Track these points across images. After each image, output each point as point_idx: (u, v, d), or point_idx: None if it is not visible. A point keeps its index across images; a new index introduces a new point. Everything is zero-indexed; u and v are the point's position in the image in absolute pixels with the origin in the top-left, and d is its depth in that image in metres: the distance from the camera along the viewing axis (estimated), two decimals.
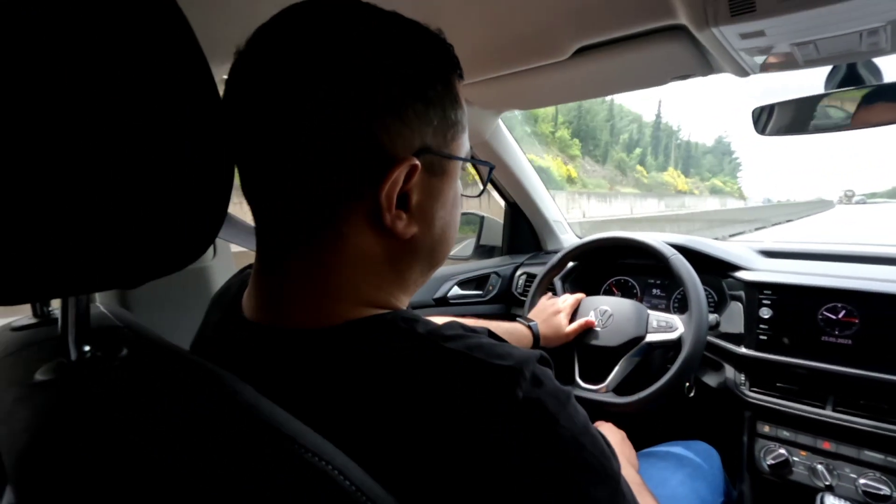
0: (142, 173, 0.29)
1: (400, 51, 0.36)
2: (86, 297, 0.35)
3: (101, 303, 0.33)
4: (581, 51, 0.79)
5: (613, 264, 1.34)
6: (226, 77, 0.39)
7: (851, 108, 0.83)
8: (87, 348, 0.34)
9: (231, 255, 0.87)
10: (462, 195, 0.46)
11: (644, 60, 0.80)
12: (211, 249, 0.84)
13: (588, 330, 1.01)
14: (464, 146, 0.43)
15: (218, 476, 0.27)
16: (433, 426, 0.32)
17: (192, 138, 0.31)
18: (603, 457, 0.35)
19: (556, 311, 1.03)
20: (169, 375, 0.31)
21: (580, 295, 1.10)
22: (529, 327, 0.96)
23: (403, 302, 0.43)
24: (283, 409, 0.31)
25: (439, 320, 0.42)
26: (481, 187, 0.65)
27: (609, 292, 1.33)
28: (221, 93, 0.35)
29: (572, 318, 1.04)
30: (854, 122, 0.84)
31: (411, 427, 0.32)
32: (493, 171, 1.41)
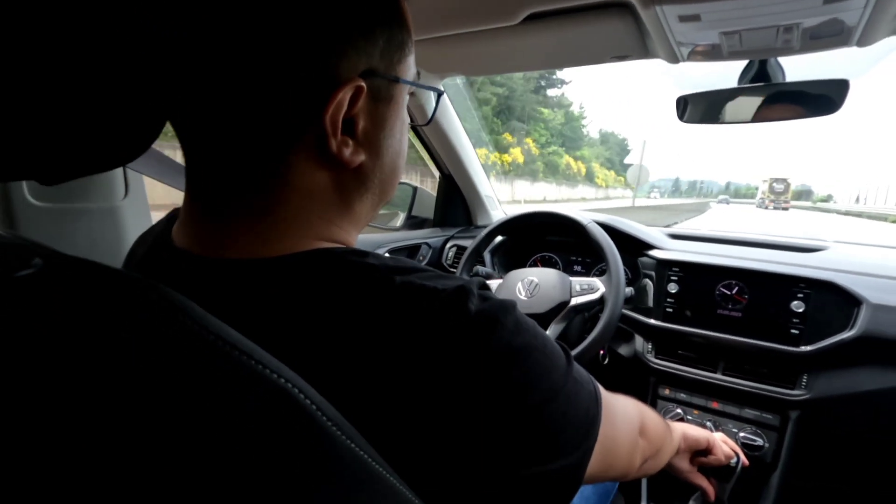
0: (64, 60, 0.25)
1: None
2: None
3: None
4: (531, 18, 0.80)
5: (540, 241, 1.40)
6: None
7: (757, 103, 0.93)
8: None
9: (145, 197, 0.77)
10: (410, 125, 0.45)
11: (589, 35, 0.83)
12: (122, 188, 0.74)
13: (516, 301, 1.05)
14: (410, 70, 0.41)
15: (168, 395, 0.24)
16: (391, 354, 0.31)
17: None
18: (554, 356, 0.37)
19: None
20: (101, 286, 0.27)
21: None
22: None
23: (353, 237, 0.42)
24: None
25: None
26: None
27: (535, 267, 1.39)
28: None
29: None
30: (757, 116, 0.94)
31: (367, 358, 0.31)
32: (433, 141, 1.40)
